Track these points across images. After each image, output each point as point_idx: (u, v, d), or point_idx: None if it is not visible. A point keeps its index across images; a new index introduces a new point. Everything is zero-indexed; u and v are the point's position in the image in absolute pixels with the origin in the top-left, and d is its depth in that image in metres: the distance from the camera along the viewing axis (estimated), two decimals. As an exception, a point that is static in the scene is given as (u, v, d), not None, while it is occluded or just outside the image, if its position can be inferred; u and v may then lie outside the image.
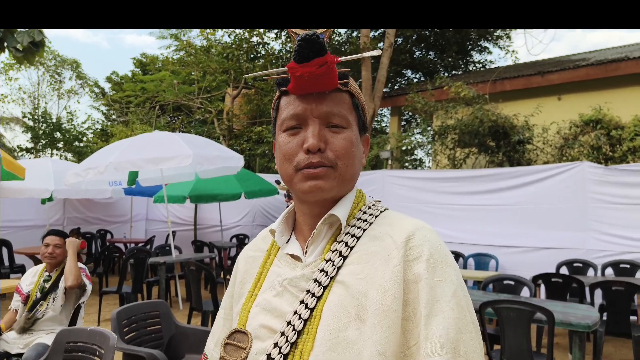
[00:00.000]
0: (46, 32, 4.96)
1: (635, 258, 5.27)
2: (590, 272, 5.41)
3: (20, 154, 19.44)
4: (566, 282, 4.35)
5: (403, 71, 16.08)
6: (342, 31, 14.62)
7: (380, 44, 13.33)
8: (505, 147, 8.08)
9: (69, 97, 22.02)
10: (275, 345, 0.75)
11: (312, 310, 0.75)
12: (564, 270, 5.46)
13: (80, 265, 3.26)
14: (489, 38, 15.05)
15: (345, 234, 0.81)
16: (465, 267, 6.30)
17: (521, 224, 6.17)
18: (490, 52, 15.94)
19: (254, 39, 13.86)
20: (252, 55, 14.63)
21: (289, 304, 0.79)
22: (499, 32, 14.63)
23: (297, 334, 0.74)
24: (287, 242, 0.89)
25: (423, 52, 15.72)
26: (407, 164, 10.68)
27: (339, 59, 0.77)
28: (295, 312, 0.76)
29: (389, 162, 9.61)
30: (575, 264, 5.50)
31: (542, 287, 4.69)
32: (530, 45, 37.87)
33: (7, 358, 2.91)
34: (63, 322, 3.14)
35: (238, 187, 8.07)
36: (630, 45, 10.99)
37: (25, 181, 5.77)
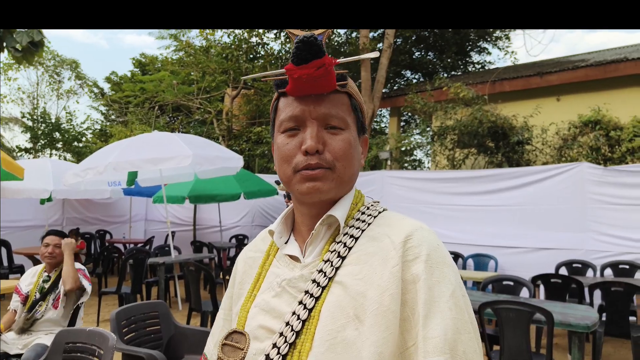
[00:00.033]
0: (45, 32, 4.97)
1: (634, 259, 5.28)
2: (590, 272, 5.41)
3: (19, 154, 19.41)
4: (565, 282, 4.35)
5: (402, 72, 16.09)
6: (342, 32, 14.63)
7: (380, 45, 13.34)
8: (504, 147, 8.09)
9: (68, 97, 22.01)
10: (274, 345, 0.75)
11: (310, 310, 0.75)
12: (563, 271, 5.46)
13: (80, 266, 3.25)
14: (488, 39, 15.07)
15: (344, 235, 0.82)
16: (464, 267, 6.30)
17: (520, 225, 6.17)
18: (489, 53, 15.97)
19: (254, 39, 13.86)
20: (251, 56, 14.63)
21: (288, 304, 0.79)
22: (498, 32, 14.65)
23: (295, 334, 0.74)
24: (286, 243, 0.89)
25: (422, 53, 15.73)
26: (406, 165, 10.69)
27: (337, 61, 0.77)
28: (294, 313, 0.76)
29: (388, 162, 9.62)
30: (574, 265, 5.51)
31: (542, 287, 4.70)
32: (529, 46, 38.02)
33: (6, 358, 2.91)
34: (62, 323, 3.14)
35: (237, 188, 8.06)
36: (629, 47, 11.00)
37: (24, 181, 5.77)
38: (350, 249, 0.80)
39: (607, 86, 8.57)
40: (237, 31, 13.67)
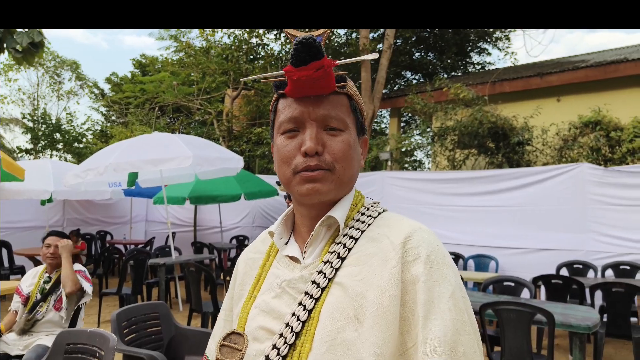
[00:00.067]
0: (45, 32, 4.97)
1: (635, 259, 5.27)
2: (590, 273, 5.41)
3: (19, 155, 19.42)
4: (566, 283, 4.34)
5: (402, 72, 16.10)
6: (342, 32, 14.64)
7: (380, 46, 13.34)
8: (504, 148, 8.09)
9: (68, 98, 22.01)
10: (274, 346, 0.75)
11: (310, 311, 0.75)
12: (564, 272, 5.46)
13: (80, 267, 3.25)
14: (488, 39, 15.07)
15: (344, 236, 0.82)
16: (465, 268, 6.30)
17: (521, 225, 6.17)
18: (489, 54, 15.98)
19: (254, 40, 13.86)
20: (251, 57, 14.64)
21: (288, 305, 0.79)
22: (498, 33, 14.65)
23: (295, 335, 0.74)
24: (286, 244, 0.89)
25: (422, 54, 15.74)
26: (406, 165, 10.68)
27: (336, 62, 0.77)
28: (294, 314, 0.76)
29: (389, 163, 9.61)
30: (575, 266, 5.50)
31: (542, 288, 4.69)
32: (529, 46, 38.06)
33: (7, 359, 2.91)
34: (63, 324, 3.14)
35: (238, 189, 8.07)
36: (629, 47, 11.00)
37: (25, 182, 5.77)
38: (349, 250, 0.80)
39: (607, 87, 8.57)
40: (237, 32, 13.69)
